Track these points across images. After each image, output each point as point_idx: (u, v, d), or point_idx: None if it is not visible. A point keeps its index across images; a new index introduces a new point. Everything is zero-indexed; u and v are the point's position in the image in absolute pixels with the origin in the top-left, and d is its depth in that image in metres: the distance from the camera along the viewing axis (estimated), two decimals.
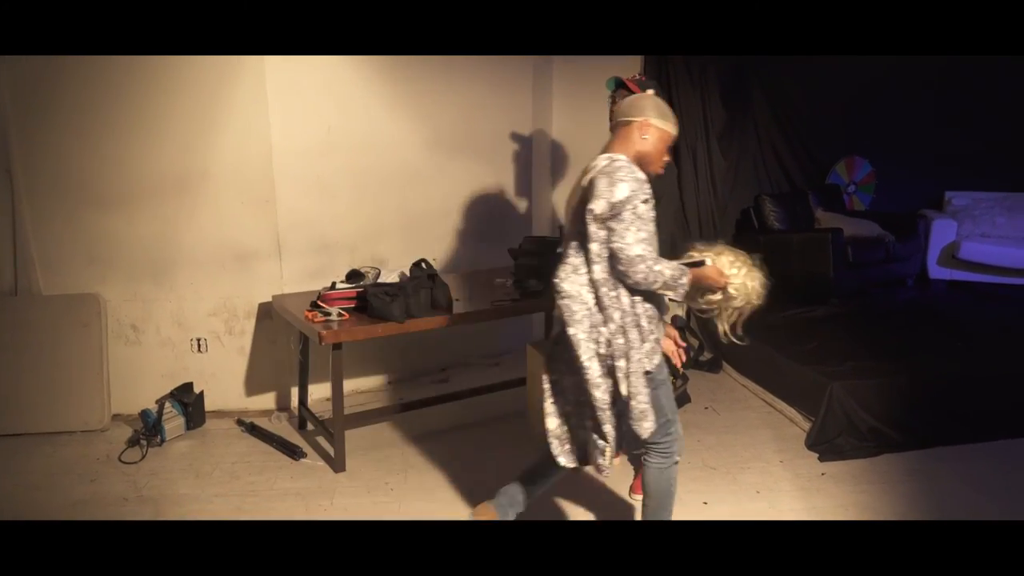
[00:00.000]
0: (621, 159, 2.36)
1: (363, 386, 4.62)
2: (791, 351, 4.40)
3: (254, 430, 3.96)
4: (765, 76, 5.98)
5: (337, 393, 3.50)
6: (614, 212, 2.27)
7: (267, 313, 4.16)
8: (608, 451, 2.45)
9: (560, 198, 5.40)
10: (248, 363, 4.25)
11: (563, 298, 2.41)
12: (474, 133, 4.83)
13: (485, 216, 5.00)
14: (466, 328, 4.16)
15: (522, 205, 5.18)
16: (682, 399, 4.78)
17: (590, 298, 2.38)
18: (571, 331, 2.39)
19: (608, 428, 2.42)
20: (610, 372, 2.39)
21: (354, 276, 3.81)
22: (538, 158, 5.26)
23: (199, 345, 4.19)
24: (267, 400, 4.32)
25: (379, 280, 3.75)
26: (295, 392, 4.16)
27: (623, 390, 2.37)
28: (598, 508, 3.25)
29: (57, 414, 3.96)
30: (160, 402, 3.90)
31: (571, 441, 2.57)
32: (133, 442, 3.79)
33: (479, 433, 4.00)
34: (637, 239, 2.28)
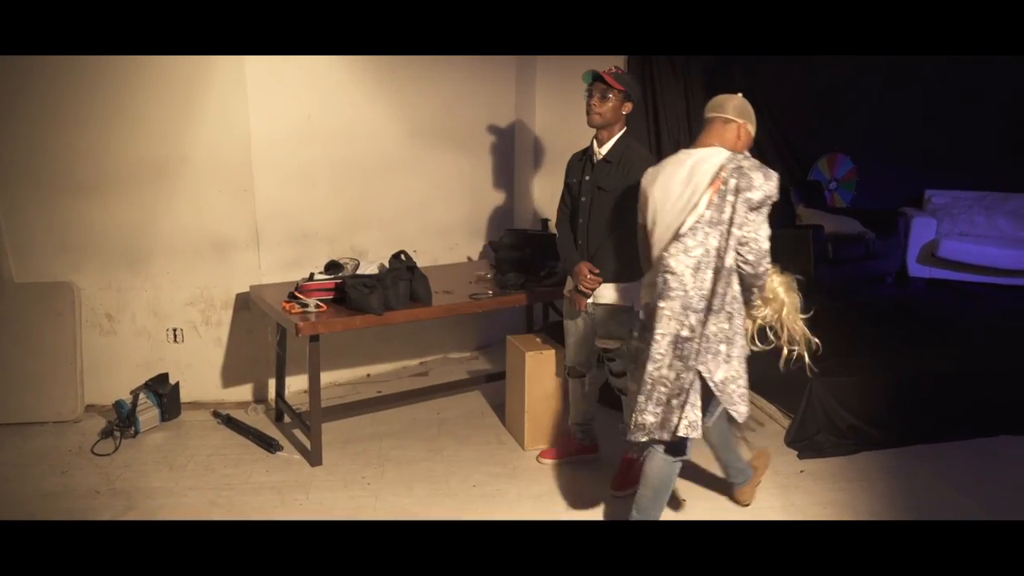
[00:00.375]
0: (749, 156, 2.47)
1: (341, 378, 4.58)
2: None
3: (230, 422, 3.92)
4: (748, 70, 5.97)
5: (314, 385, 3.47)
6: (761, 204, 2.39)
7: (244, 304, 4.11)
8: (633, 425, 2.53)
9: (543, 191, 5.38)
10: (225, 354, 4.19)
11: (665, 272, 2.47)
12: (456, 125, 4.79)
13: (466, 208, 4.96)
14: (445, 321, 4.13)
15: (503, 198, 5.15)
16: None
17: (689, 281, 2.43)
18: (661, 304, 2.47)
19: (642, 401, 2.49)
20: (680, 357, 2.44)
21: (333, 267, 3.78)
22: (520, 151, 5.23)
23: (175, 335, 4.13)
24: (244, 392, 4.27)
25: (358, 272, 3.72)
26: (272, 384, 4.11)
27: (720, 375, 2.45)
28: (581, 504, 3.24)
29: (29, 404, 3.89)
30: (135, 393, 3.85)
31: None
32: (106, 433, 3.73)
33: (457, 426, 3.97)
34: (767, 234, 2.43)
